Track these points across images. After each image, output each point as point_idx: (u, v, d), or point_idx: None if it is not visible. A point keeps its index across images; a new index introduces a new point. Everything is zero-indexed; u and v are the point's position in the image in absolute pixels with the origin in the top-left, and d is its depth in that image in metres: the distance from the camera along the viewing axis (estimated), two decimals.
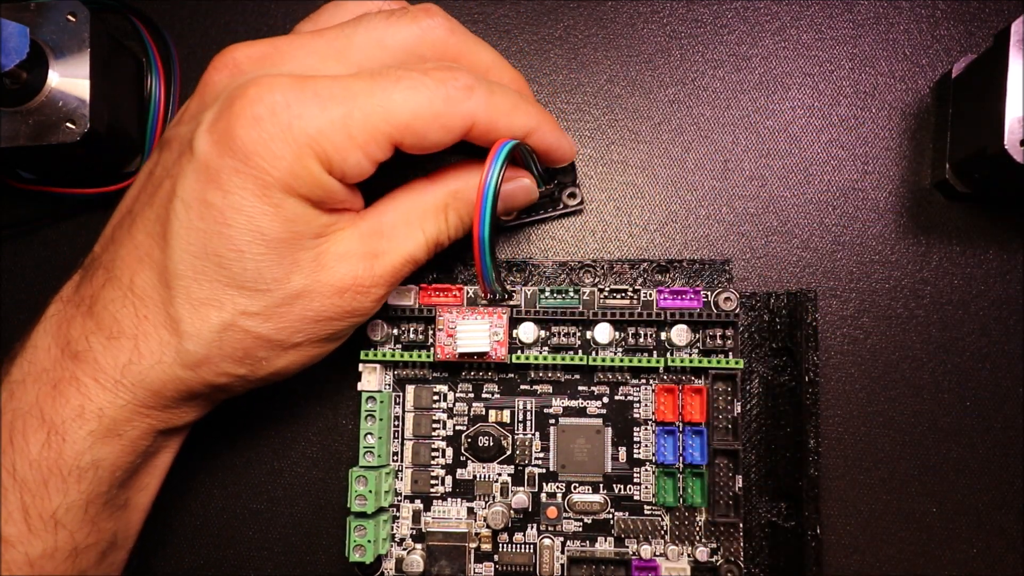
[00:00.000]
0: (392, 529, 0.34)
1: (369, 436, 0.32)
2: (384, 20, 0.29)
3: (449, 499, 0.34)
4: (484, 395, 0.34)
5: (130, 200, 0.30)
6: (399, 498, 0.34)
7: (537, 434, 0.34)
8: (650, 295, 0.33)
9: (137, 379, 0.28)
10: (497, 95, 0.28)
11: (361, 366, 0.33)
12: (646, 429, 0.33)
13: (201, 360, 0.28)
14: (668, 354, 0.33)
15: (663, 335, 0.33)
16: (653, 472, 0.33)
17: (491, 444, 0.33)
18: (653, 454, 0.33)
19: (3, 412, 0.27)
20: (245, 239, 0.26)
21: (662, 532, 0.33)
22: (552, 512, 0.33)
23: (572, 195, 0.35)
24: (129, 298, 0.28)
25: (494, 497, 0.33)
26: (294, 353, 0.29)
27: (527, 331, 0.33)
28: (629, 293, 0.33)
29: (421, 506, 0.34)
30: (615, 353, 0.33)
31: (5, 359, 0.29)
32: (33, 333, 0.29)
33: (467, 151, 0.31)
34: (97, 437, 0.27)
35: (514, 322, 0.33)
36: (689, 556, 0.33)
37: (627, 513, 0.33)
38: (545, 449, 0.34)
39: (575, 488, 0.33)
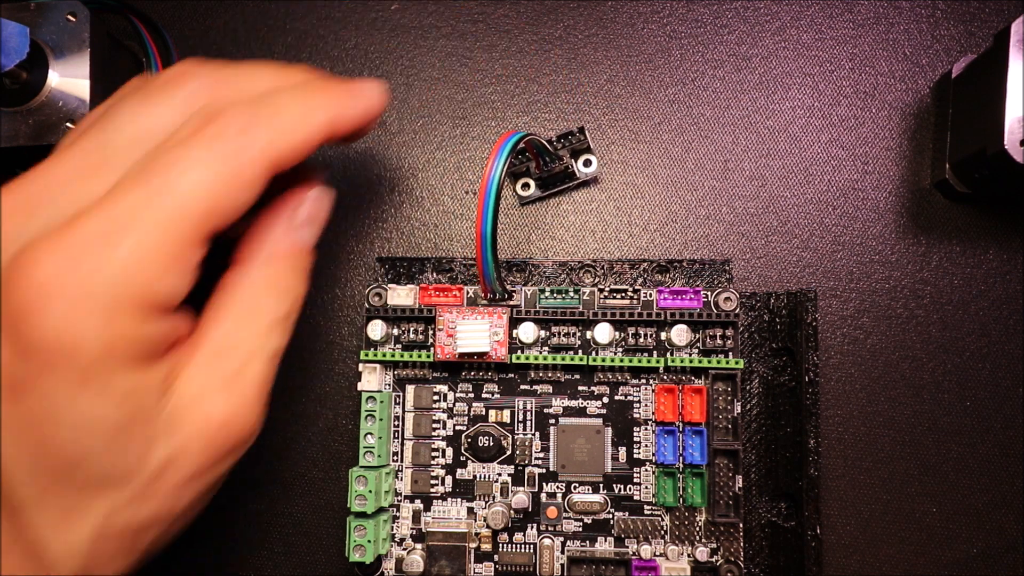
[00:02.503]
0: (392, 529, 0.33)
1: (369, 436, 0.32)
2: (140, 103, 0.25)
3: (449, 499, 0.34)
4: (484, 395, 0.34)
5: None
6: (399, 498, 0.34)
7: (537, 434, 0.34)
8: (650, 295, 0.33)
9: None
10: (280, 113, 0.25)
11: (361, 366, 0.33)
12: (646, 429, 0.33)
13: None
14: (668, 354, 0.33)
15: (663, 335, 0.33)
16: (653, 472, 0.33)
17: (491, 444, 0.33)
18: (653, 454, 0.33)
19: None
20: (84, 437, 0.23)
21: (662, 532, 0.33)
22: (552, 512, 0.33)
23: (587, 163, 0.35)
24: None
25: (494, 497, 0.33)
26: (188, 515, 0.26)
27: (527, 331, 0.33)
28: (629, 293, 0.33)
29: (421, 506, 0.34)
30: (615, 353, 0.33)
31: None
32: None
33: None
34: None
35: (514, 322, 0.33)
36: (689, 556, 0.33)
37: (627, 513, 0.33)
38: (545, 449, 0.34)
39: (575, 488, 0.33)
